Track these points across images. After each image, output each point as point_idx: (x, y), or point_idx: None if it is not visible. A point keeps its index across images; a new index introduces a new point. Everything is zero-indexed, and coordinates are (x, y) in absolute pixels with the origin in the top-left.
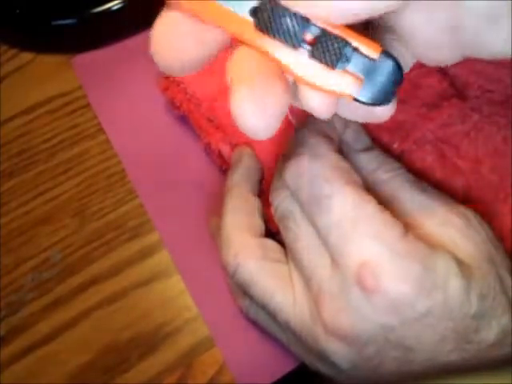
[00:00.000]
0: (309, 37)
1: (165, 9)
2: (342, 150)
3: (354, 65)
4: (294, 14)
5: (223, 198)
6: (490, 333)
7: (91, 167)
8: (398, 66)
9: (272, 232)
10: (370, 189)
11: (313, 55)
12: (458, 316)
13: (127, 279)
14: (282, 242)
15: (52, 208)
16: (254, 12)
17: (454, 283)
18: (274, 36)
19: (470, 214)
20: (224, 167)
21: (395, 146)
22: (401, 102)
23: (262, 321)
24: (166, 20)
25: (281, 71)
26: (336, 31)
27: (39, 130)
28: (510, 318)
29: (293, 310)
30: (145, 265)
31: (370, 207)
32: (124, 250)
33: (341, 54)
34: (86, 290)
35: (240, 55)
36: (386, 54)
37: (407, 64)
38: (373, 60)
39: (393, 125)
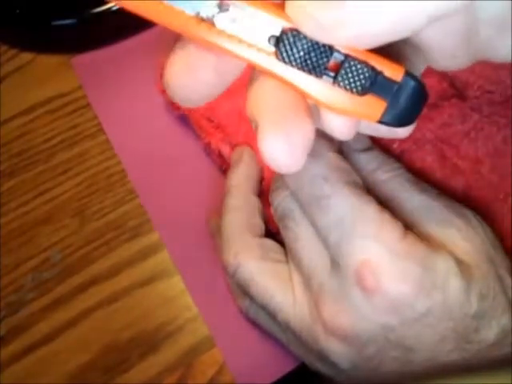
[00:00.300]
0: (332, 64)
1: (177, 44)
2: (341, 150)
3: (378, 88)
4: (317, 43)
5: (223, 198)
6: (490, 333)
7: (91, 167)
8: (422, 87)
9: (272, 232)
10: (369, 189)
11: (336, 82)
12: (457, 316)
13: (127, 279)
14: (281, 242)
15: (52, 208)
16: (276, 42)
17: (454, 283)
18: (297, 66)
19: (469, 214)
20: (224, 167)
21: (395, 145)
22: None
23: (262, 321)
24: (181, 54)
25: (303, 100)
26: (359, 56)
27: (39, 130)
28: (509, 317)
29: (293, 309)
30: (145, 265)
31: (369, 207)
32: (124, 250)
33: (364, 78)
34: (86, 290)
35: (261, 88)
36: (410, 75)
37: (419, 70)
38: (396, 82)
39: None
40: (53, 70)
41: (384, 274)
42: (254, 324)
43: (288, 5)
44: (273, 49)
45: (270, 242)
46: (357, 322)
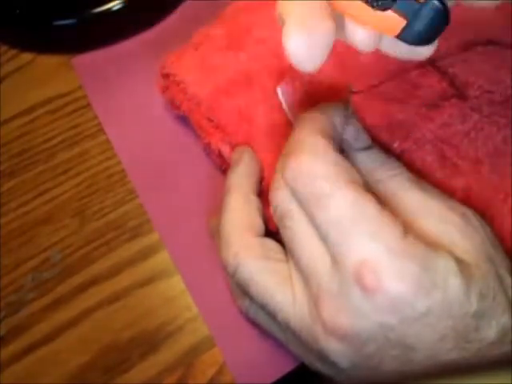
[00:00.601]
0: None
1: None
2: (342, 149)
3: (400, 5)
4: None
5: (223, 198)
6: (490, 332)
7: (91, 167)
8: (444, 9)
9: (272, 232)
10: (369, 187)
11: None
12: (457, 315)
13: (127, 279)
14: (281, 242)
15: (52, 208)
16: None
17: (454, 282)
18: None
19: (469, 213)
20: (224, 167)
21: (395, 145)
22: (400, 102)
23: (262, 321)
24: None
25: (328, 7)
26: None
27: (39, 130)
28: (509, 316)
29: (293, 309)
30: (145, 265)
31: (370, 206)
32: (124, 250)
33: None
34: (86, 290)
35: None
36: None
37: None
38: (419, 1)
39: (393, 124)
40: (53, 70)
41: (384, 273)
42: (254, 324)
43: None
44: None
45: (269, 242)
46: (356, 322)
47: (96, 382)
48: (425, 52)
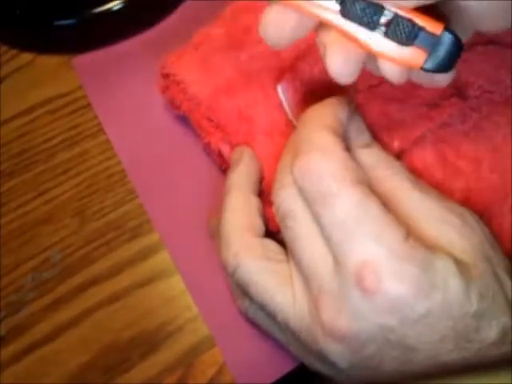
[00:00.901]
0: (383, 20)
1: (271, 3)
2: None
3: (421, 40)
4: (371, 3)
5: (223, 198)
6: (491, 332)
7: (91, 167)
8: (458, 40)
9: (272, 232)
10: (369, 185)
11: (387, 35)
12: (457, 315)
13: (127, 279)
14: (281, 242)
15: (52, 208)
16: (341, 2)
17: (453, 283)
18: (357, 21)
19: (466, 213)
20: (224, 167)
21: (395, 145)
22: (400, 102)
23: (262, 321)
24: (275, 9)
25: None
26: (405, 14)
27: (39, 131)
28: (509, 316)
29: (292, 309)
30: (145, 265)
31: (374, 208)
32: (124, 250)
33: (409, 32)
34: (86, 290)
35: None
36: (448, 30)
37: (466, 35)
38: (436, 36)
39: (392, 124)
40: (53, 70)
41: (384, 274)
42: (254, 324)
43: None
44: (338, 7)
45: (269, 242)
46: (356, 323)
47: (96, 381)
48: (444, 80)
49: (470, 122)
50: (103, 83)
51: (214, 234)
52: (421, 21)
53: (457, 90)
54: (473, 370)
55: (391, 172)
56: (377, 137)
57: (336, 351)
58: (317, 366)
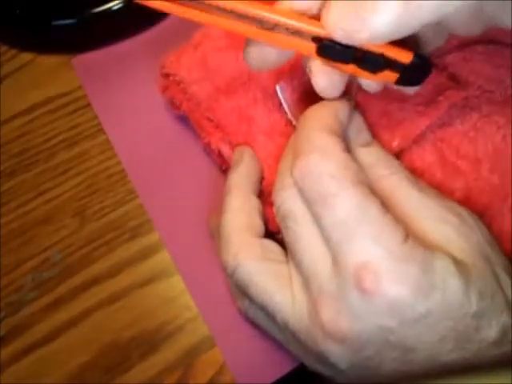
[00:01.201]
0: (357, 55)
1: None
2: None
3: (392, 68)
4: (344, 45)
5: (223, 198)
6: (491, 331)
7: (91, 167)
8: (427, 63)
9: (272, 232)
10: (369, 186)
11: (362, 68)
12: (457, 315)
13: (127, 279)
14: (281, 242)
15: (52, 208)
16: (317, 41)
17: (453, 283)
18: (331, 59)
19: (465, 213)
20: (224, 167)
21: (395, 144)
22: (400, 101)
23: (262, 321)
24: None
25: None
26: (377, 50)
27: (39, 130)
28: (509, 316)
29: (292, 310)
30: (145, 265)
31: (373, 209)
32: (124, 250)
33: (379, 64)
34: (86, 290)
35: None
36: (417, 55)
37: (440, 41)
38: (405, 64)
39: (393, 123)
40: (53, 70)
41: (383, 276)
42: (254, 324)
43: (323, 20)
44: (314, 46)
45: (269, 243)
46: (355, 324)
47: (96, 381)
48: (413, 90)
49: (469, 121)
50: (103, 83)
51: (214, 234)
52: (392, 53)
53: (451, 82)
54: (473, 370)
55: (390, 171)
56: (377, 136)
57: (336, 352)
58: (316, 366)
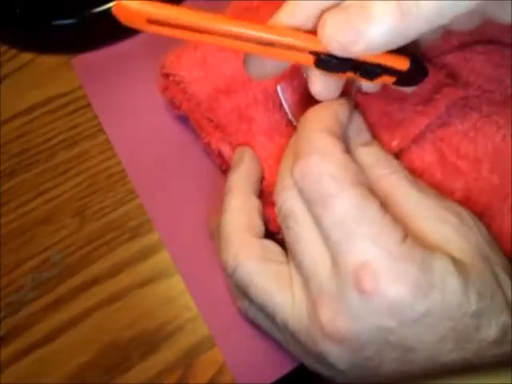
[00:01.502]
0: (354, 65)
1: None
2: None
3: (390, 74)
4: (341, 58)
5: (223, 198)
6: (490, 331)
7: (91, 167)
8: (422, 68)
9: (272, 232)
10: (368, 186)
11: (360, 76)
12: (457, 315)
13: (127, 279)
14: (281, 243)
15: (52, 208)
16: (314, 55)
17: (452, 282)
18: (329, 71)
19: (464, 213)
20: (224, 167)
21: (394, 144)
22: (399, 101)
23: (261, 322)
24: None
25: None
26: (373, 60)
27: (39, 130)
28: (509, 316)
29: (292, 311)
30: (145, 265)
31: (373, 209)
32: (124, 250)
33: (376, 73)
34: (86, 290)
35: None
36: (413, 61)
37: (439, 31)
38: (401, 70)
39: (392, 123)
40: (53, 70)
41: (382, 276)
42: (254, 324)
43: (319, 33)
44: (312, 57)
45: (269, 243)
46: (354, 325)
47: (96, 381)
48: (410, 89)
49: (469, 121)
50: (103, 83)
51: (214, 234)
52: (389, 61)
53: (448, 80)
54: (473, 370)
55: (390, 170)
56: (376, 136)
57: (335, 353)
58: (316, 366)
